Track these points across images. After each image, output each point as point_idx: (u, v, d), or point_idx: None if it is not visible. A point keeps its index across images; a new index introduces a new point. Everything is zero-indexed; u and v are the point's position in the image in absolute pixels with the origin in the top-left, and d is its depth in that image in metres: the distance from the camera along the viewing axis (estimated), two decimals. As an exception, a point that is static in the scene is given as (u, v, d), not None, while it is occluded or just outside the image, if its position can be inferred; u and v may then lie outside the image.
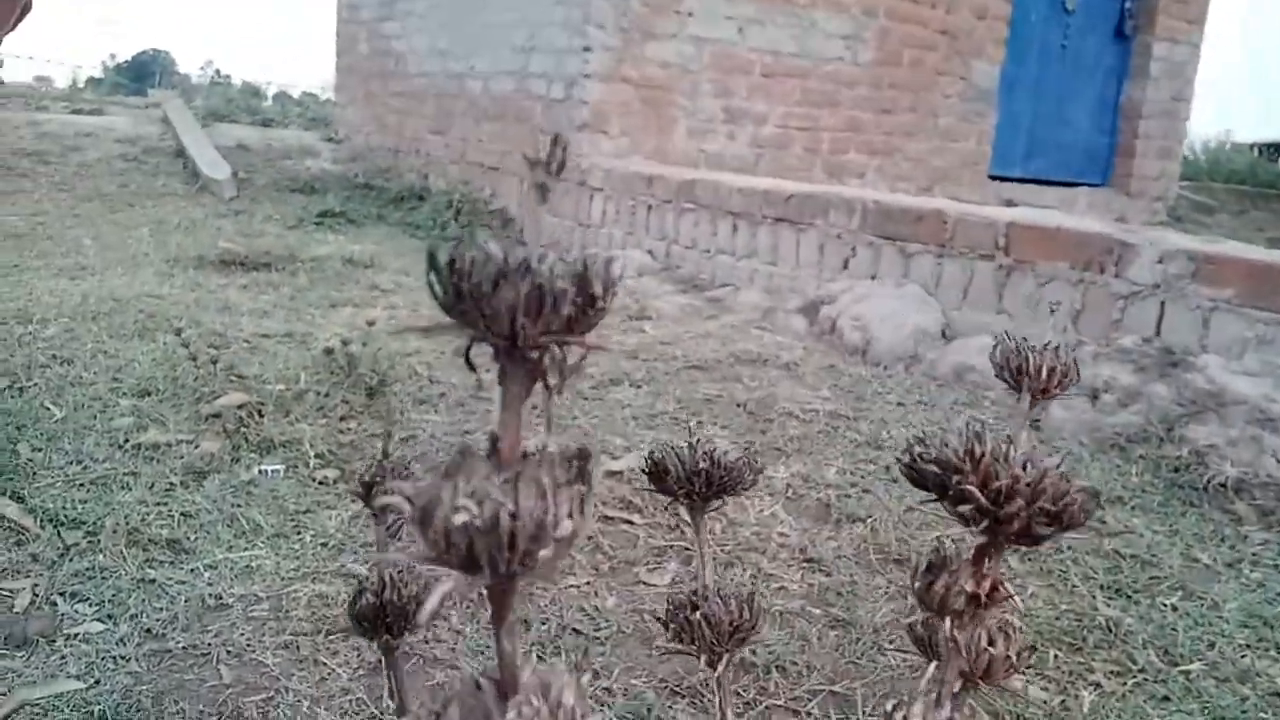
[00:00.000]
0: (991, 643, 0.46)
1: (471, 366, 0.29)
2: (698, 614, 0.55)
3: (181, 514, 2.04)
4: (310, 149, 8.21)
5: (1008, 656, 0.46)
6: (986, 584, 0.43)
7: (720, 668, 0.56)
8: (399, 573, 0.60)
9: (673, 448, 0.55)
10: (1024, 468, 0.41)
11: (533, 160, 0.29)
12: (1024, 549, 0.42)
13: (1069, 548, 2.19)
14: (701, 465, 0.55)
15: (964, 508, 0.41)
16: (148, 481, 2.16)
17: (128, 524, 1.96)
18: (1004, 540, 0.41)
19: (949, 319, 3.70)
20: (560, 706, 0.31)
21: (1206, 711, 1.62)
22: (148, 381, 2.75)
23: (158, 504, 2.08)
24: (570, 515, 0.28)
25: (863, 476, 2.49)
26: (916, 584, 0.45)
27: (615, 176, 5.38)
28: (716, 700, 0.57)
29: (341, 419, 2.59)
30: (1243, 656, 1.79)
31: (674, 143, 5.86)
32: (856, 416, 2.92)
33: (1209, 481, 2.49)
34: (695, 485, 0.55)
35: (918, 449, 0.43)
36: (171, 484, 2.17)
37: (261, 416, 2.52)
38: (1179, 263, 3.05)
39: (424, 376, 3.01)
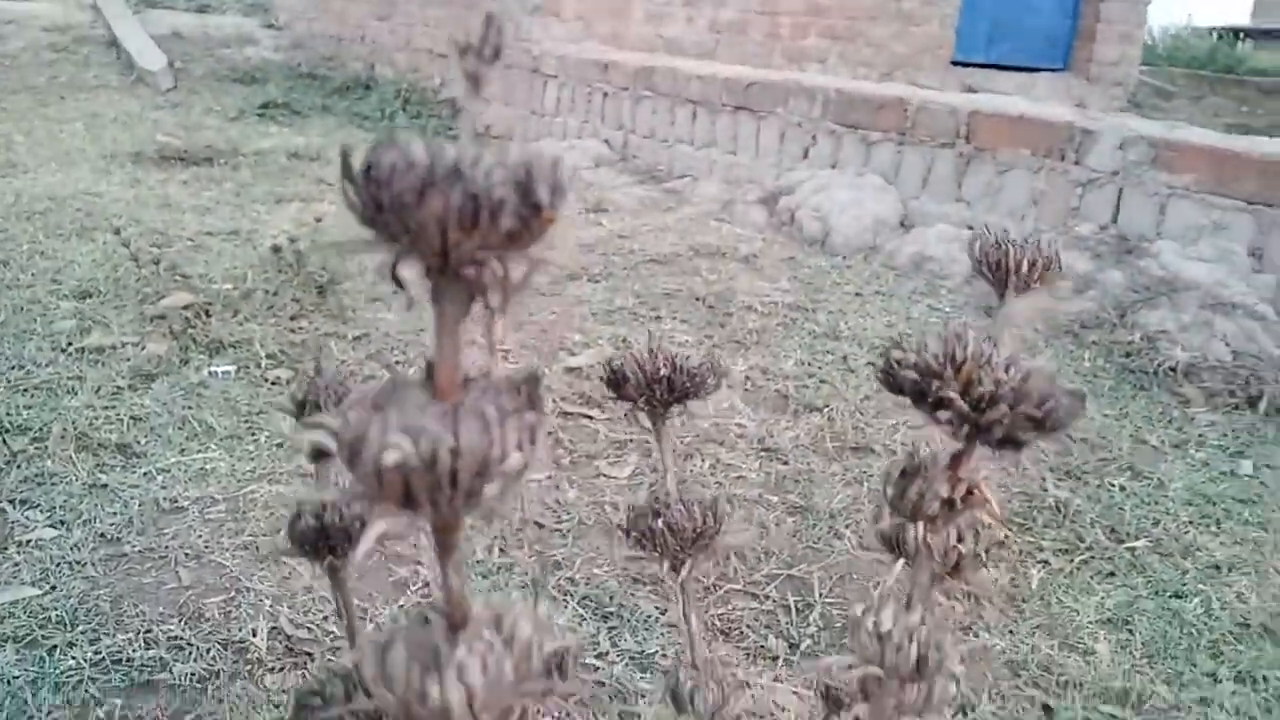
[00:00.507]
0: (960, 539, 0.45)
1: (400, 285, 0.25)
2: (660, 522, 0.53)
3: (131, 417, 2.00)
4: (250, 37, 7.86)
5: (977, 554, 0.45)
6: (962, 488, 0.42)
7: (683, 573, 0.54)
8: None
9: (632, 354, 0.53)
10: (1007, 371, 0.39)
11: (463, 46, 0.25)
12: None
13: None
14: (662, 371, 0.52)
15: (943, 414, 0.39)
16: (94, 385, 2.11)
17: (75, 429, 1.91)
18: (986, 447, 0.40)
19: (908, 208, 3.67)
20: (515, 640, 0.29)
21: (1149, 585, 1.68)
22: (89, 283, 2.66)
23: (105, 408, 2.03)
24: (519, 447, 0.25)
25: (820, 367, 2.50)
26: (889, 489, 0.43)
27: (569, 63, 5.21)
28: (679, 606, 0.56)
29: (292, 318, 2.54)
30: (1185, 533, 1.85)
31: (630, 26, 5.68)
32: (815, 308, 2.92)
33: (1159, 366, 2.53)
34: (656, 392, 0.52)
35: (894, 353, 0.41)
36: (119, 387, 2.12)
37: (209, 317, 2.45)
38: (1139, 149, 3.04)
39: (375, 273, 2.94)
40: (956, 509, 0.42)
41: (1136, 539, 1.82)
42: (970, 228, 3.47)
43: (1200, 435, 2.27)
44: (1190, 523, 1.89)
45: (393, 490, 0.24)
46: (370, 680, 0.28)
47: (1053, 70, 7.81)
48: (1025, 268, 0.43)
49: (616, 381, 0.53)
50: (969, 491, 0.42)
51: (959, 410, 0.40)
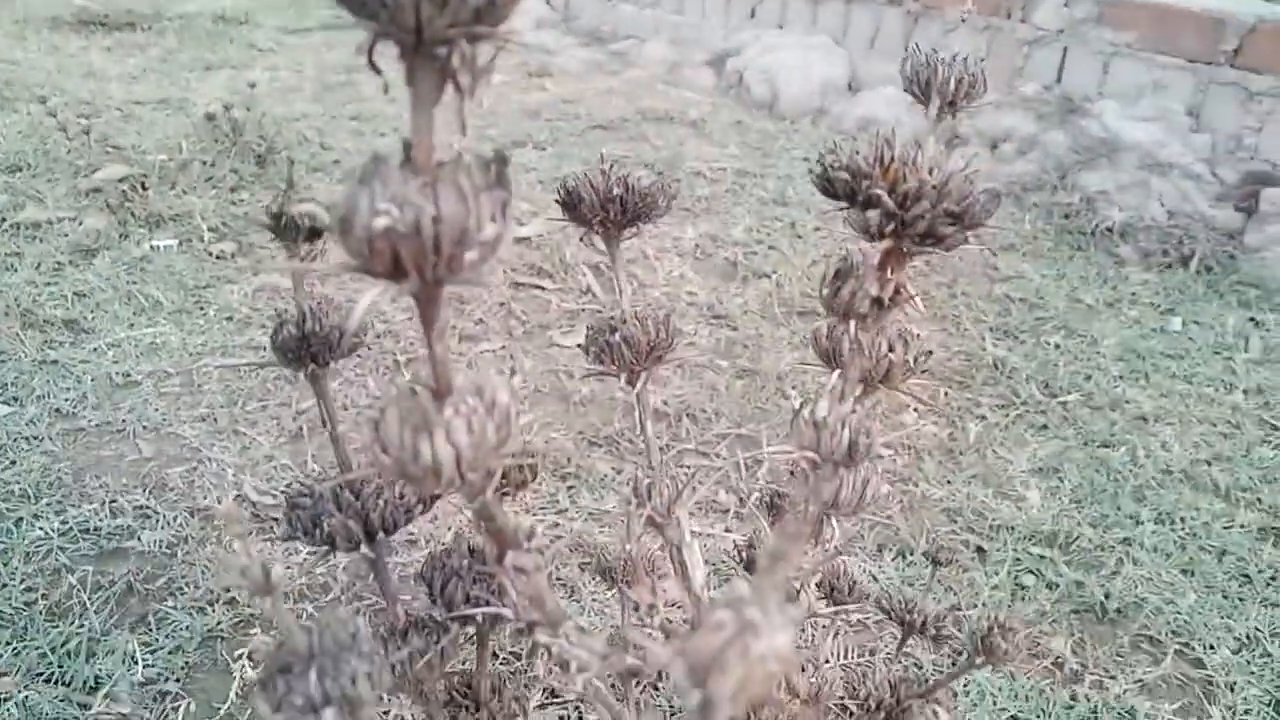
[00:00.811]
0: (891, 349, 0.49)
1: (376, 69, 0.27)
2: (617, 336, 0.56)
3: (75, 293, 1.97)
4: (163, -113, 7.34)
5: (906, 361, 0.49)
6: (890, 288, 0.45)
7: (639, 385, 0.58)
8: (317, 304, 0.60)
9: (586, 175, 0.55)
10: (930, 172, 0.42)
11: None
12: (927, 252, 0.44)
13: (963, 294, 2.29)
14: (616, 191, 0.54)
15: (871, 213, 0.42)
16: (33, 261, 2.07)
17: (19, 305, 1.88)
18: (910, 242, 0.43)
19: (855, 70, 3.64)
20: (495, 405, 0.32)
21: (1079, 436, 1.78)
22: (17, 156, 2.56)
23: (47, 284, 2.00)
24: (493, 219, 0.28)
25: (769, 234, 2.52)
26: (824, 290, 0.47)
27: (508, -82, 4.97)
28: (636, 414, 0.60)
29: (232, 189, 2.48)
30: (1115, 387, 1.95)
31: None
32: (763, 173, 2.92)
33: (1097, 226, 2.60)
34: (610, 212, 0.54)
35: (829, 158, 0.44)
36: (59, 263, 2.08)
37: (145, 189, 2.39)
38: (1085, 6, 3.02)
39: (315, 143, 2.87)
40: (885, 307, 0.46)
41: (1069, 393, 1.91)
42: (918, 90, 3.46)
43: (1133, 294, 2.36)
44: (1120, 377, 1.99)
45: (381, 258, 0.27)
46: (367, 446, 0.31)
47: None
48: (953, 85, 0.45)
49: (571, 203, 0.55)
50: (896, 290, 0.46)
51: (885, 207, 0.43)
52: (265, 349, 1.86)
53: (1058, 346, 2.09)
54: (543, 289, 2.23)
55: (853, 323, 0.47)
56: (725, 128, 3.31)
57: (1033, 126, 2.94)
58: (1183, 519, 1.55)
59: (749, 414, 1.78)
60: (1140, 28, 2.90)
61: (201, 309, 1.98)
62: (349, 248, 0.27)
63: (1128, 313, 2.27)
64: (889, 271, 0.45)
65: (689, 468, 1.62)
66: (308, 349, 0.59)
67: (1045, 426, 1.81)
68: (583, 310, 2.14)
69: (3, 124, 2.79)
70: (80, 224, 2.24)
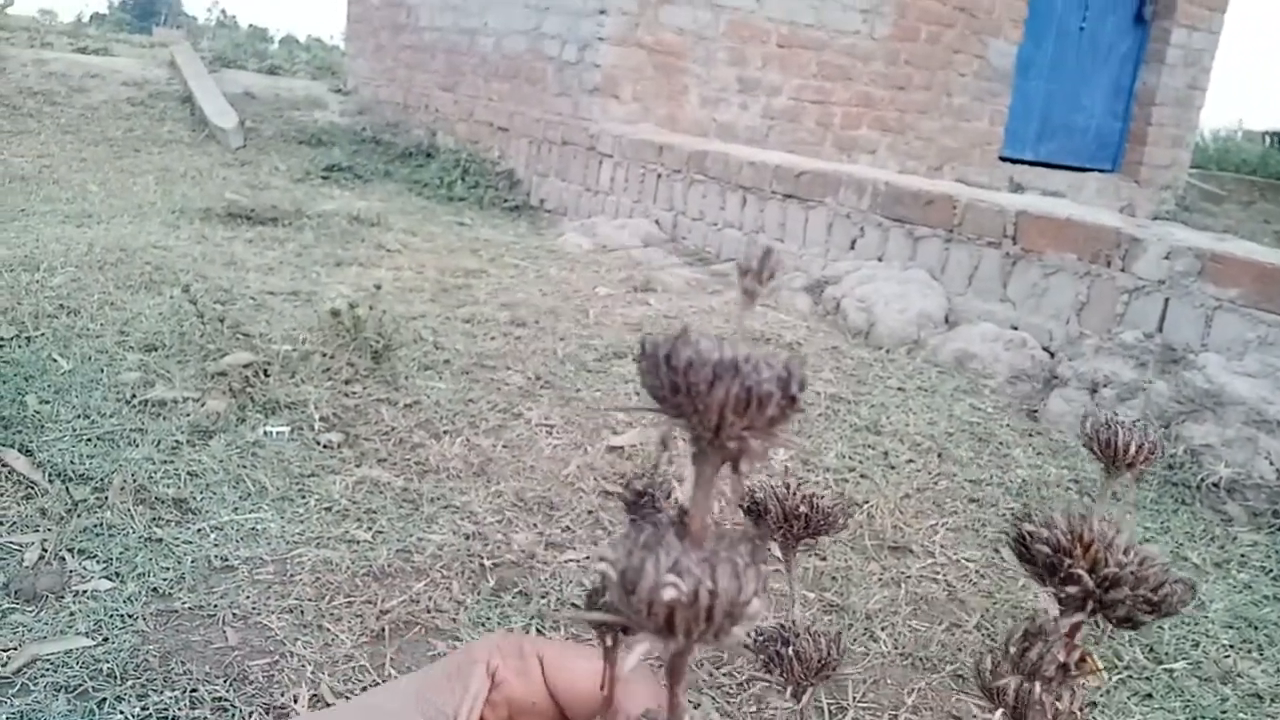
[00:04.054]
0: (1059, 698, 0.50)
1: (665, 446, 0.33)
2: (789, 649, 0.58)
3: (188, 473, 2.07)
4: (318, 100, 8.15)
5: (1072, 712, 0.50)
6: (1076, 654, 0.47)
7: (804, 700, 0.59)
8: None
9: (773, 488, 0.58)
10: (1126, 554, 0.44)
11: (743, 268, 0.33)
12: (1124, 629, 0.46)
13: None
14: (801, 509, 0.58)
15: (1071, 589, 0.45)
16: (154, 439, 2.19)
17: (135, 481, 1.98)
18: (1107, 622, 0.45)
19: (953, 305, 3.71)
20: None
21: (1188, 710, 1.66)
22: (154, 336, 2.76)
23: (164, 462, 2.10)
24: (756, 594, 0.31)
25: (861, 461, 2.52)
26: (1011, 648, 0.49)
27: (625, 143, 5.35)
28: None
29: (346, 382, 2.61)
30: (1226, 657, 1.83)
31: (685, 110, 5.83)
32: (857, 400, 2.95)
33: (1202, 481, 2.52)
34: (793, 527, 0.58)
35: (1027, 526, 0.47)
36: (178, 442, 2.19)
37: (267, 376, 2.53)
38: (1185, 260, 3.06)
39: (429, 342, 3.02)
40: (1070, 673, 0.47)
41: (1175, 660, 1.81)
42: (1015, 328, 3.49)
43: (1243, 555, 2.25)
44: (1231, 647, 1.87)
45: (657, 620, 0.30)
46: None
47: (1102, 171, 7.87)
48: (1133, 449, 0.48)
49: (757, 512, 0.59)
50: (1081, 659, 0.47)
51: (1085, 586, 0.45)
52: (358, 542, 1.90)
53: (1163, 607, 1.99)
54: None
55: (1038, 684, 0.49)
56: (820, 352, 3.38)
57: (1133, 373, 2.92)
58: (1309, 820, 1.42)
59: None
60: (1243, 285, 2.91)
61: (303, 497, 2.05)
62: (627, 605, 0.30)
63: (1237, 576, 2.16)
64: (1075, 639, 0.47)
65: (769, 708, 1.57)
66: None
67: (1150, 695, 1.70)
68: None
69: (147, 305, 3.03)
70: (203, 405, 2.37)
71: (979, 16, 6.76)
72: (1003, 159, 7.33)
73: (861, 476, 2.44)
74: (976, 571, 2.06)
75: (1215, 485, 2.50)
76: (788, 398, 0.31)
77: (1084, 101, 7.67)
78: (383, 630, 1.64)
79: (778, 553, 0.59)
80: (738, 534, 0.31)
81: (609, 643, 0.50)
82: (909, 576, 2.00)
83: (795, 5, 6.02)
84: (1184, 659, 1.81)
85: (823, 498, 0.57)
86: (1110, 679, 1.73)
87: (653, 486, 0.65)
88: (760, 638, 0.59)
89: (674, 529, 0.31)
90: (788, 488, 0.57)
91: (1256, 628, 1.94)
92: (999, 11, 6.84)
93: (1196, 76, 7.90)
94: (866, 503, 2.29)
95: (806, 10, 6.08)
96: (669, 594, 0.29)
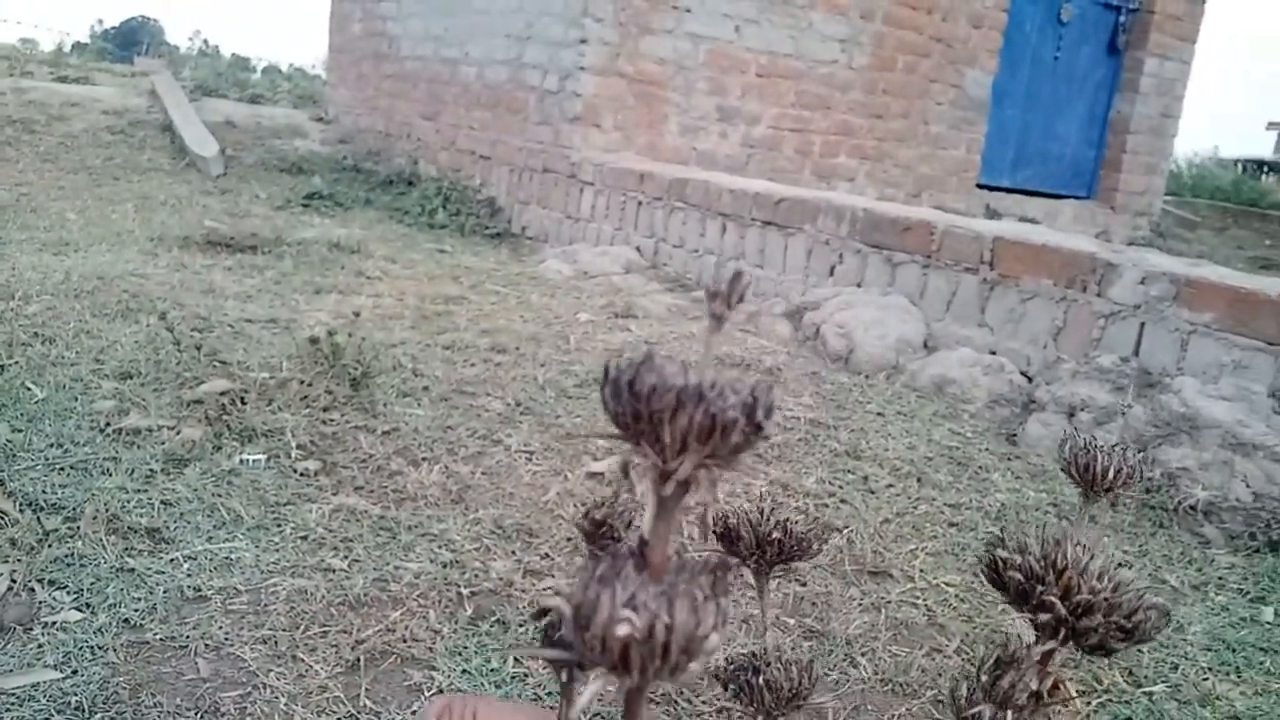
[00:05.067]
0: None
1: (626, 474, 0.31)
2: (760, 678, 0.57)
3: (162, 502, 2.04)
4: (299, 128, 8.16)
5: None
6: (1049, 682, 0.46)
7: None
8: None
9: (747, 514, 0.57)
10: (1100, 579, 0.43)
11: (712, 291, 0.31)
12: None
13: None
14: (774, 535, 0.57)
15: (1043, 616, 0.44)
16: (128, 467, 2.16)
17: (108, 511, 1.96)
18: (1079, 650, 0.44)
19: (931, 330, 3.73)
20: None
21: (1167, 734, 1.66)
22: (130, 364, 2.74)
23: (138, 491, 2.08)
24: (715, 629, 0.30)
25: (841, 486, 2.52)
26: (983, 677, 0.47)
27: (606, 171, 5.38)
28: None
29: (324, 409, 2.59)
30: (1205, 679, 1.83)
31: (666, 139, 5.87)
32: (837, 425, 2.95)
33: (1179, 504, 2.53)
34: (766, 553, 0.57)
35: (1000, 553, 0.46)
36: (152, 470, 2.17)
37: (244, 404, 2.52)
38: (1161, 285, 3.09)
39: (408, 369, 3.01)
40: (1043, 701, 0.46)
41: (1155, 684, 1.81)
42: (993, 353, 3.52)
43: (1220, 578, 2.26)
44: (1210, 669, 1.87)
45: (612, 655, 0.29)
46: None
47: (1078, 198, 7.96)
48: (1111, 474, 0.48)
49: (730, 538, 0.58)
50: (1054, 686, 0.46)
51: (1058, 614, 0.44)
52: (334, 571, 1.88)
53: (1142, 630, 1.99)
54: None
55: (1010, 713, 0.48)
56: (800, 377, 3.38)
57: (1110, 397, 2.94)
58: (1289, 843, 1.42)
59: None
60: (1217, 309, 2.94)
61: (279, 525, 2.03)
62: (582, 640, 0.29)
63: (1215, 598, 2.17)
64: (1048, 667, 0.46)
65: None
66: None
67: (1130, 719, 1.70)
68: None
69: (123, 333, 3.01)
70: (178, 433, 2.35)
71: (955, 47, 6.86)
72: (979, 186, 7.40)
73: (841, 501, 2.44)
74: (956, 596, 2.06)
75: (1192, 508, 2.52)
76: (753, 425, 0.30)
77: (1059, 130, 7.77)
78: (358, 660, 1.62)
79: (750, 579, 0.58)
80: (700, 564, 0.30)
81: (564, 679, 0.49)
82: (889, 601, 2.00)
83: (774, 35, 6.09)
84: (1163, 682, 1.81)
85: (796, 523, 0.56)
86: (1090, 703, 1.73)
87: (612, 516, 0.64)
88: (731, 666, 0.58)
89: (633, 561, 0.30)
90: (761, 513, 0.56)
91: (1234, 650, 1.95)
92: (974, 42, 6.94)
93: (1169, 105, 8.02)
94: (846, 528, 2.29)
95: (785, 40, 6.14)
96: (623, 630, 0.28)
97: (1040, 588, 0.44)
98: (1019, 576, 0.44)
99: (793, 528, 0.56)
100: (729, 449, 0.29)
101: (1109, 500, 0.48)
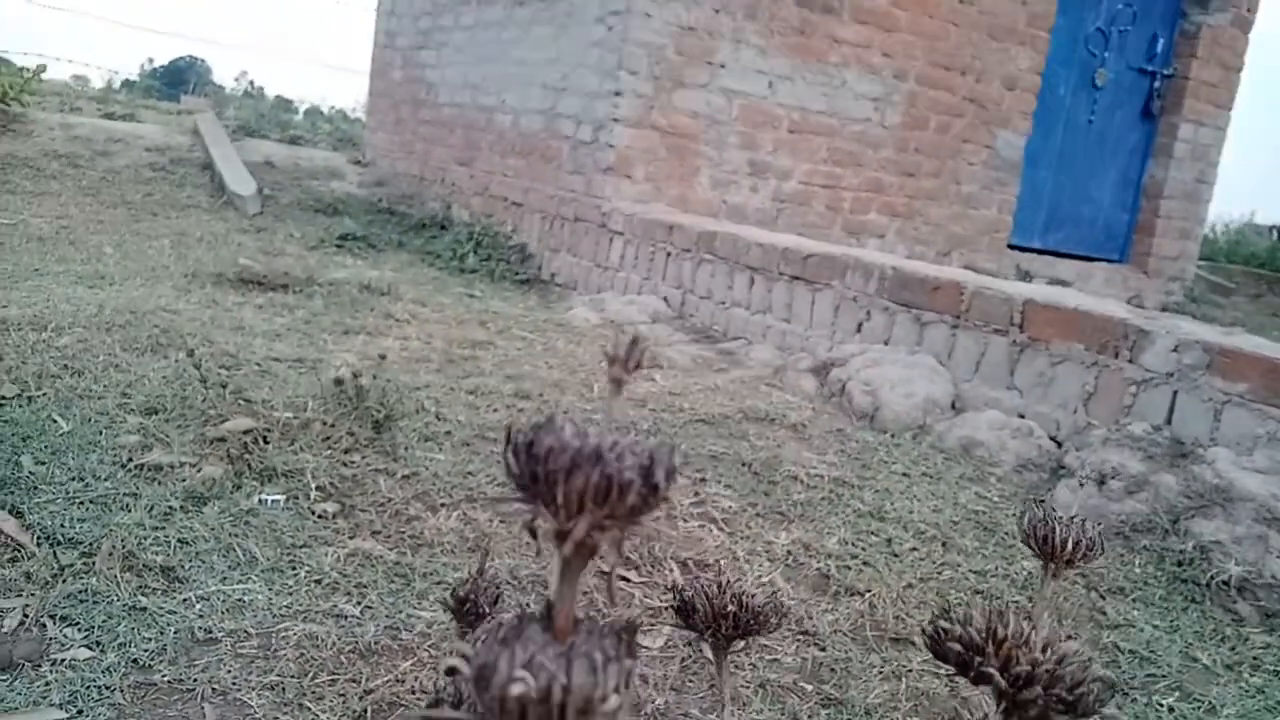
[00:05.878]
0: None
1: (534, 535, 0.30)
2: None
3: (179, 540, 2.04)
4: (336, 170, 8.29)
5: None
6: None
7: None
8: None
9: (703, 586, 0.56)
10: (1044, 651, 0.41)
11: (611, 356, 0.31)
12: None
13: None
14: (730, 608, 0.55)
15: (983, 687, 0.41)
16: (148, 504, 2.16)
17: (124, 547, 1.95)
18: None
19: (959, 391, 3.69)
20: None
21: (1199, 823, 1.59)
22: (156, 399, 2.76)
23: (155, 528, 2.07)
24: (617, 690, 0.29)
25: (864, 548, 2.47)
26: None
27: (636, 222, 5.41)
28: None
29: (345, 451, 2.59)
30: (1238, 767, 1.77)
31: (697, 191, 5.90)
32: (861, 484, 2.91)
33: (1212, 578, 2.47)
34: (722, 627, 0.55)
35: (942, 623, 0.44)
36: (171, 508, 2.17)
37: (266, 443, 2.52)
38: (1194, 353, 3.04)
39: (431, 413, 3.01)
40: None
41: (1185, 768, 1.74)
42: (1022, 416, 3.47)
43: (1255, 658, 2.19)
44: (1243, 755, 1.80)
45: (511, 716, 0.28)
46: None
47: (1110, 261, 7.91)
48: (1069, 546, 0.46)
49: (686, 610, 0.56)
50: None
51: (997, 686, 0.42)
52: (346, 617, 1.86)
53: (1171, 709, 1.93)
54: (628, 580, 2.20)
55: None
56: (825, 434, 3.35)
57: (1141, 466, 2.89)
58: None
59: (830, 750, 1.67)
60: (1251, 380, 2.89)
61: (294, 568, 2.01)
62: (482, 700, 0.28)
63: (1249, 679, 2.10)
64: None
65: (761, 806, 1.51)
66: None
67: (1160, 806, 1.63)
68: (666, 608, 2.09)
69: (151, 368, 3.03)
70: (199, 471, 2.35)
71: (988, 108, 6.88)
72: (1011, 247, 7.37)
73: (864, 564, 2.39)
74: (980, 667, 2.01)
75: (1225, 583, 2.45)
76: (649, 486, 0.30)
77: (1092, 193, 7.75)
78: (365, 711, 1.60)
79: (709, 653, 0.56)
80: (608, 626, 0.29)
81: None
82: (910, 670, 1.95)
83: (807, 92, 6.14)
84: (1194, 767, 1.75)
85: (754, 596, 0.54)
86: (1118, 786, 1.67)
87: (476, 592, 0.62)
88: None
89: (540, 622, 0.29)
90: (719, 586, 0.54)
91: (1270, 736, 1.88)
92: (1008, 104, 6.96)
93: (1204, 170, 7.98)
94: (869, 591, 2.24)
95: (818, 97, 6.19)
96: (517, 689, 0.27)
97: (979, 659, 0.42)
98: (958, 648, 0.42)
99: (749, 601, 0.54)
100: (626, 510, 0.29)
101: (1071, 572, 0.46)
